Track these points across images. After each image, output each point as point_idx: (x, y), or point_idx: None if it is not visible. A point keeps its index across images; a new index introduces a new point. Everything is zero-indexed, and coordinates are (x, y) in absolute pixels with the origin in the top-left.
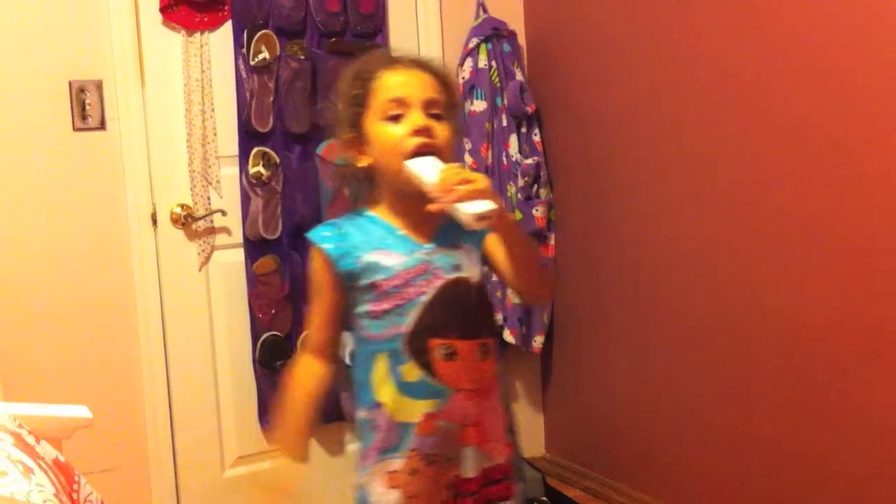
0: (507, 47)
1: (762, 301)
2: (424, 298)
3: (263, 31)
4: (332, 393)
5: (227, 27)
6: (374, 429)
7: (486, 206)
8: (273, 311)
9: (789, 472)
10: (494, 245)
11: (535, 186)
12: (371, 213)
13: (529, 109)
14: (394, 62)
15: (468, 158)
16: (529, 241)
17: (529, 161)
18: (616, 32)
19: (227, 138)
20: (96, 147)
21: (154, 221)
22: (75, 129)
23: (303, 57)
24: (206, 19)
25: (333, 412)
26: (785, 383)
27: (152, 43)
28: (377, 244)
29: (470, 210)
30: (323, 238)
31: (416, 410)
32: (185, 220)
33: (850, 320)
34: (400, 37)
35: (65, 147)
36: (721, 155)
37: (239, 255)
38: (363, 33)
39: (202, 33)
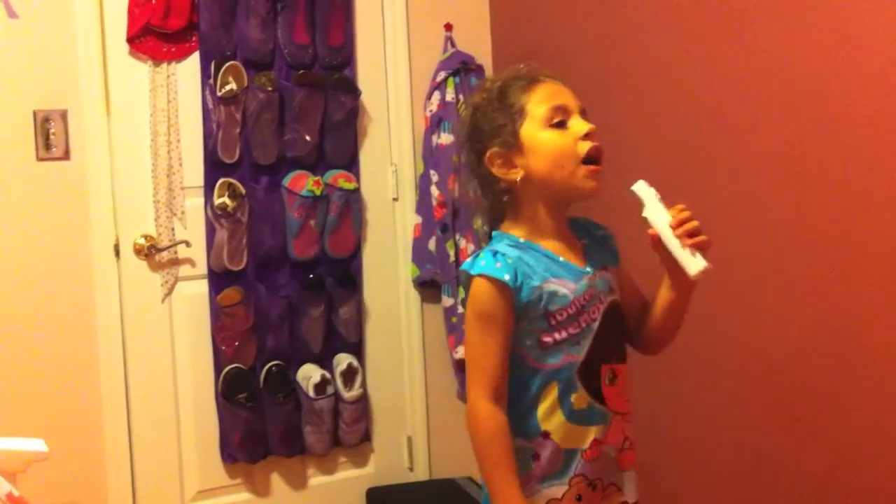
0: (474, 81)
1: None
2: (596, 325)
3: (231, 62)
4: (294, 426)
5: (195, 58)
6: (534, 457)
7: (708, 263)
8: (237, 344)
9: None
10: (626, 280)
11: None
12: (520, 238)
13: None
14: (539, 72)
15: (435, 191)
16: None
17: None
18: (581, 68)
19: (193, 169)
20: (60, 177)
21: (117, 252)
22: (39, 158)
23: (271, 88)
24: (173, 50)
25: (297, 445)
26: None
27: (118, 73)
28: (548, 272)
29: (703, 263)
30: (497, 269)
31: (586, 437)
32: (149, 251)
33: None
34: (368, 69)
35: (28, 177)
36: (697, 180)
37: (203, 286)
38: (332, 65)
39: (169, 64)
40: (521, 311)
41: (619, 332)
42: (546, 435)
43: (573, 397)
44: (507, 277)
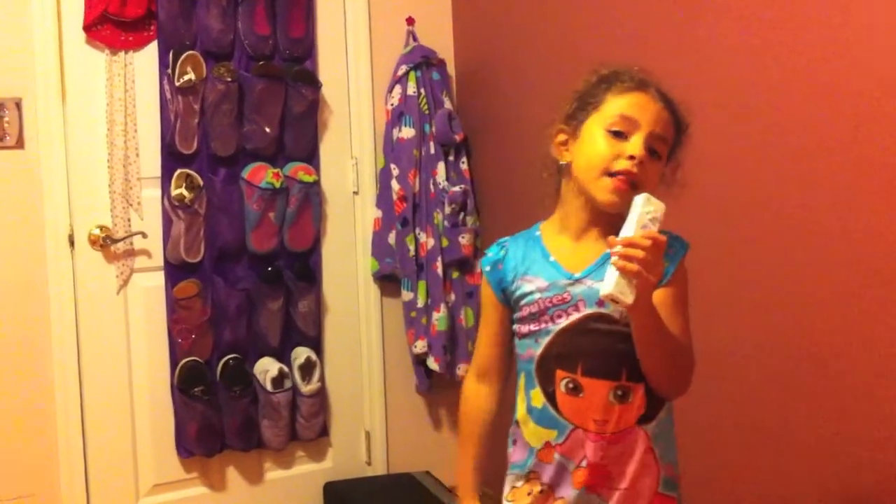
0: (436, 75)
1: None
2: (557, 328)
3: (190, 52)
4: (251, 420)
5: (153, 47)
6: (513, 442)
7: (624, 294)
8: (193, 337)
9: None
10: (658, 299)
11: (462, 214)
12: (538, 231)
13: (458, 138)
14: (644, 84)
15: (395, 185)
16: (664, 341)
17: (457, 189)
18: (544, 64)
19: (150, 159)
20: (14, 166)
21: (72, 243)
22: None
23: (230, 79)
24: (131, 39)
25: (253, 439)
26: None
27: (75, 61)
28: (527, 268)
29: (610, 287)
30: (486, 259)
31: (539, 436)
32: (104, 242)
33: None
34: (329, 62)
35: None
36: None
37: (159, 278)
38: (292, 57)
39: (126, 53)
40: (506, 297)
41: (592, 345)
42: (518, 423)
43: (532, 392)
44: (487, 269)
